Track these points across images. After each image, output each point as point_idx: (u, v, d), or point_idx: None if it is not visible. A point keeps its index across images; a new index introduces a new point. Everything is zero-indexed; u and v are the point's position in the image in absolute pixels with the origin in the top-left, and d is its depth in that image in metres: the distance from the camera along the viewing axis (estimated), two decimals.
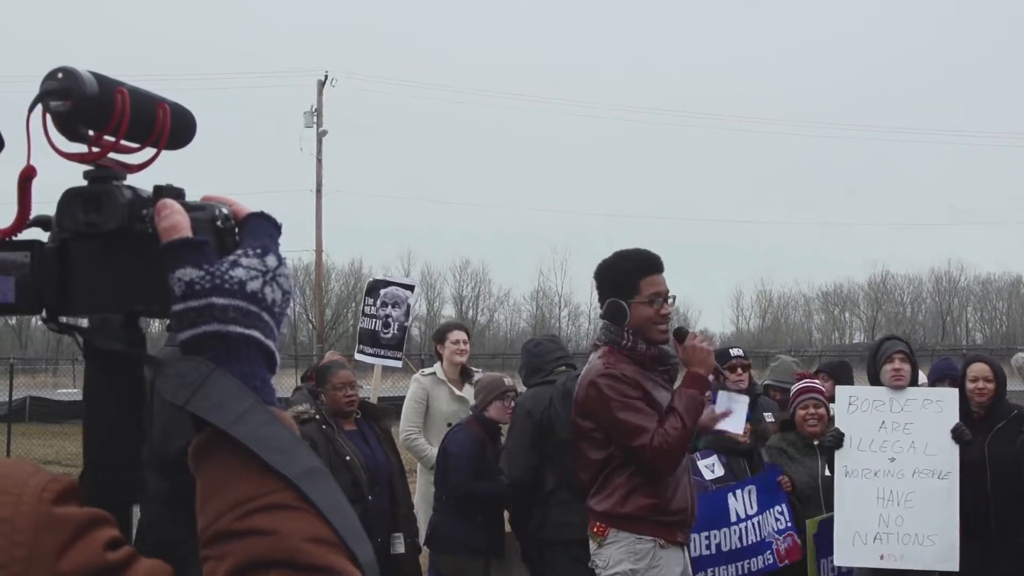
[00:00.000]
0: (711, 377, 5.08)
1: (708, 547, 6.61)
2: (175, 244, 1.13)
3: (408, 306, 8.59)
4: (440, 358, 8.03)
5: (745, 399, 6.21)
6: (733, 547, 6.78)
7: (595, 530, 4.92)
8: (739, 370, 7.50)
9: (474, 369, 8.04)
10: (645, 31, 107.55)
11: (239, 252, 1.16)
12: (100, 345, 1.20)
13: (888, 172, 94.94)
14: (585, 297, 72.02)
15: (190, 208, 1.17)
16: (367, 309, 8.69)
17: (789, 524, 6.96)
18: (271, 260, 1.17)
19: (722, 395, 6.09)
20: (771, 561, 6.88)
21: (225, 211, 1.20)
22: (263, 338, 1.14)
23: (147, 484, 1.21)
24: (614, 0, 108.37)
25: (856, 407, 6.68)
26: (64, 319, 1.21)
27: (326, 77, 42.54)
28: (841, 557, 6.59)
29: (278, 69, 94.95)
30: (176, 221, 1.14)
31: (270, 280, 1.16)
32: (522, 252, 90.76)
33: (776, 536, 6.93)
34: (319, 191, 41.66)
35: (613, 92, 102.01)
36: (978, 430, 6.70)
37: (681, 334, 5.03)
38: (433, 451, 7.18)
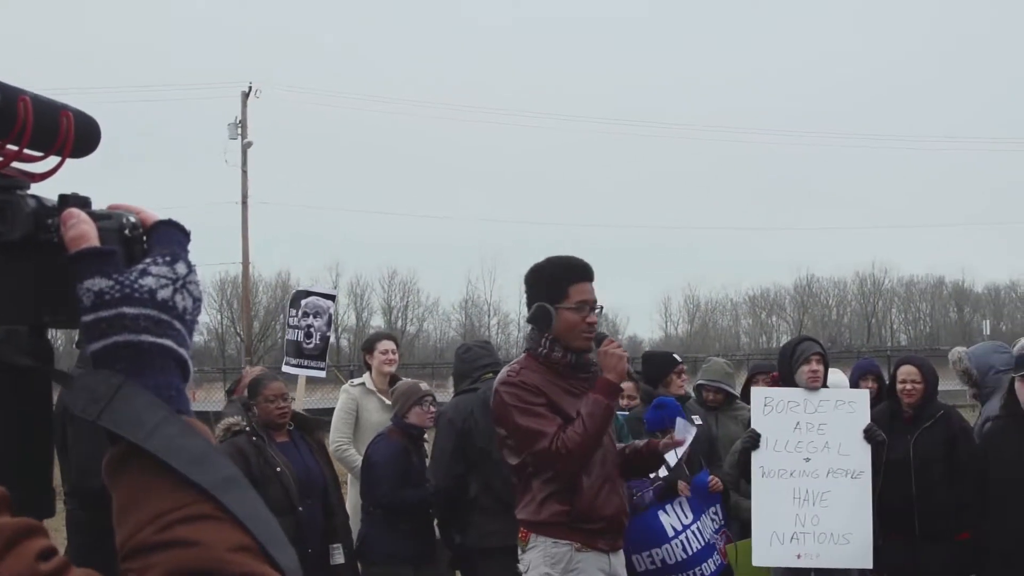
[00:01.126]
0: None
1: (652, 563, 6.63)
2: (83, 254, 1.11)
3: (329, 316, 8.60)
4: (369, 368, 8.03)
5: (694, 431, 6.29)
6: (679, 559, 6.83)
7: (520, 536, 4.95)
8: (683, 375, 7.64)
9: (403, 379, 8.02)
10: (570, 38, 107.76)
11: (148, 260, 1.14)
12: (6, 358, 1.16)
13: (811, 177, 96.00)
14: (514, 306, 72.04)
15: (97, 217, 1.16)
16: (291, 320, 8.67)
17: (722, 522, 7.10)
18: (181, 267, 1.15)
19: (680, 423, 6.10)
20: (719, 562, 6.99)
21: (133, 219, 1.18)
22: (175, 346, 1.13)
23: (63, 506, 1.23)
24: (548, 7, 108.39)
25: (771, 408, 6.77)
26: None
27: (250, 88, 42.18)
28: (759, 557, 6.67)
29: (201, 80, 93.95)
30: (83, 231, 1.13)
31: (180, 288, 1.14)
32: (450, 261, 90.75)
33: (715, 536, 7.07)
34: (244, 203, 41.24)
35: (540, 101, 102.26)
36: (906, 430, 6.82)
37: (599, 338, 5.04)
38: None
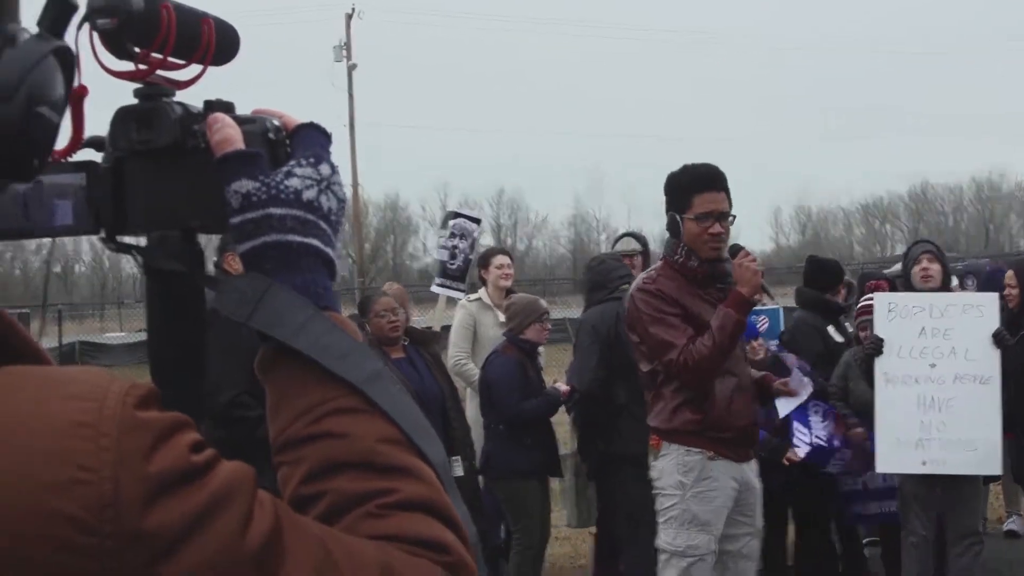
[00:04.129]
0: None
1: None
2: (229, 157, 1.14)
3: (474, 239, 8.64)
4: (485, 283, 8.08)
5: (810, 387, 6.17)
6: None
7: (652, 443, 4.97)
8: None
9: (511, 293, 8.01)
10: None
11: (292, 162, 1.16)
12: (158, 265, 1.19)
13: (925, 82, 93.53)
14: (622, 221, 71.80)
15: (241, 121, 1.17)
16: (440, 241, 8.78)
17: (827, 407, 7.04)
18: (325, 168, 1.17)
19: (796, 376, 6.04)
20: (839, 443, 7.02)
21: (276, 123, 1.19)
22: (322, 246, 1.15)
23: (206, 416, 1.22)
24: None
25: (895, 314, 6.62)
26: (122, 239, 1.21)
27: (353, 10, 42.32)
28: (883, 464, 6.60)
29: (303, 3, 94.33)
30: (229, 134, 1.15)
31: (325, 188, 1.16)
32: (558, 178, 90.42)
33: (825, 423, 7.04)
34: (352, 125, 41.60)
35: (648, 16, 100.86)
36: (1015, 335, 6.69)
37: (735, 250, 5.03)
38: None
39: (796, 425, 6.94)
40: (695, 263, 4.91)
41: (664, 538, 4.86)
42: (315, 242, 1.15)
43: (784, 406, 5.98)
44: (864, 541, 8.19)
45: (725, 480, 4.84)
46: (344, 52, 42.05)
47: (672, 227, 4.94)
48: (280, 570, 0.91)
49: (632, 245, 7.50)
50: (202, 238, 1.25)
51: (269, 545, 0.91)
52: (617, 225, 75.22)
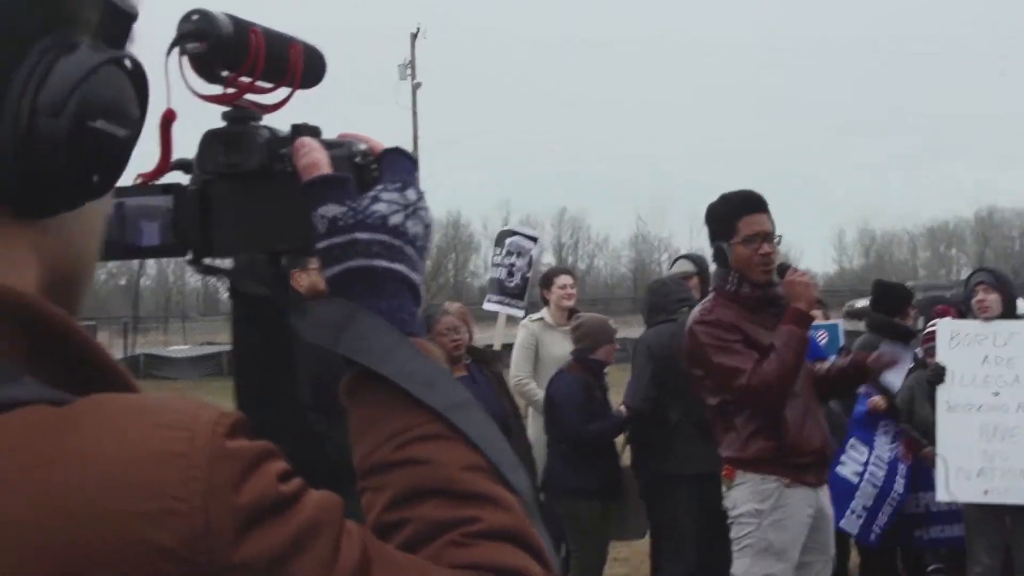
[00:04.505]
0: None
1: (858, 515, 6.80)
2: (316, 181, 1.14)
3: (531, 257, 8.64)
4: (547, 303, 8.08)
5: (909, 353, 6.07)
6: (874, 495, 6.90)
7: (725, 474, 4.92)
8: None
9: (579, 313, 7.97)
10: None
11: (379, 187, 1.16)
12: (244, 288, 1.20)
13: (994, 103, 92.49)
14: (684, 241, 71.43)
15: (328, 145, 1.17)
16: (495, 259, 8.77)
17: (896, 428, 7.06)
18: (411, 194, 1.17)
19: (885, 347, 6.00)
20: (906, 470, 7.01)
21: (363, 147, 1.19)
22: (407, 271, 1.15)
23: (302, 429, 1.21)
24: None
25: (958, 341, 6.57)
26: (208, 261, 1.21)
27: (418, 29, 42.65)
28: (944, 492, 6.50)
29: (367, 23, 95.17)
30: (316, 158, 1.15)
31: (411, 214, 1.16)
32: (620, 198, 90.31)
33: (892, 448, 7.05)
34: (415, 144, 41.80)
35: (707, 36, 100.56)
36: None
37: (782, 269, 4.97)
38: (543, 395, 7.20)
39: (853, 442, 6.94)
40: (747, 289, 4.89)
41: (739, 567, 4.84)
42: (401, 267, 1.14)
43: (894, 377, 5.84)
44: (929, 569, 8.12)
45: (801, 508, 4.81)
46: (408, 71, 42.36)
47: (719, 257, 4.94)
48: None
49: (687, 267, 7.52)
50: None
51: (359, 574, 0.90)
52: (679, 245, 74.93)
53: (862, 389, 6.87)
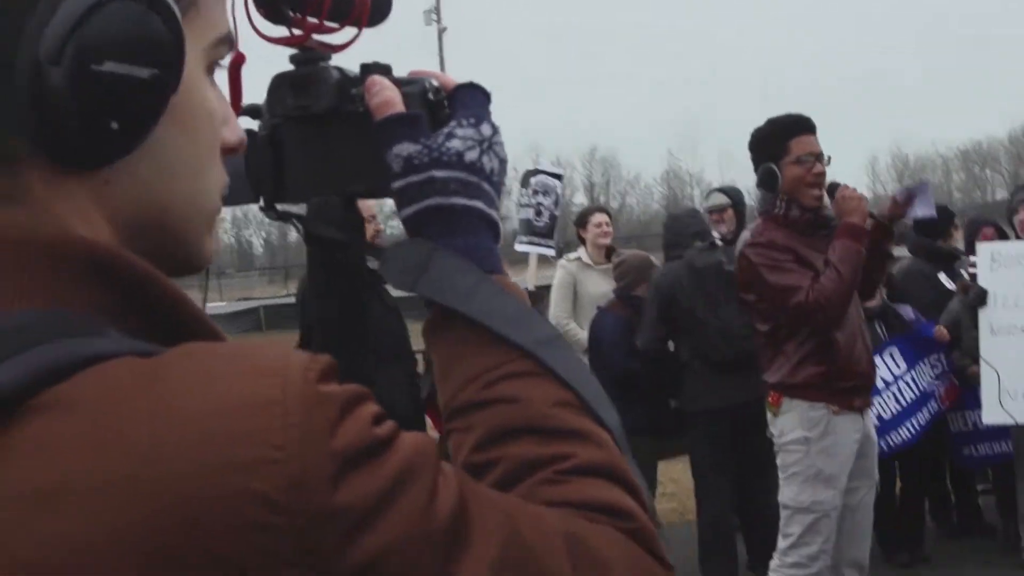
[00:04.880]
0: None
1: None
2: (390, 120, 1.11)
3: (557, 195, 8.55)
4: (583, 242, 8.08)
5: (927, 182, 5.82)
6: (892, 412, 6.80)
7: (770, 400, 4.88)
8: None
9: (620, 250, 7.95)
10: None
11: (453, 123, 1.13)
12: (319, 232, 1.18)
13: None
14: (715, 175, 71.21)
15: (400, 83, 1.14)
16: (522, 199, 8.71)
17: (946, 368, 7.01)
18: (486, 129, 1.14)
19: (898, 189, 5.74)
20: (935, 408, 6.94)
21: (435, 83, 1.16)
22: (485, 208, 1.12)
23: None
24: None
25: (999, 263, 6.51)
26: (281, 207, 1.19)
27: None
28: (989, 415, 6.49)
29: None
30: (388, 97, 1.12)
31: (487, 149, 1.13)
32: (649, 135, 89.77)
33: (936, 382, 6.99)
34: None
35: None
36: None
37: (832, 188, 4.92)
38: (585, 335, 7.23)
39: (893, 351, 6.82)
40: (796, 212, 4.83)
41: (788, 494, 4.82)
42: (479, 204, 1.11)
43: (923, 209, 5.56)
44: (979, 489, 8.14)
45: (848, 435, 4.79)
46: (434, 16, 42.14)
47: (768, 180, 4.84)
48: (469, 542, 0.88)
49: (721, 200, 7.36)
50: None
51: (457, 517, 0.88)
52: (711, 179, 74.67)
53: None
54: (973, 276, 6.84)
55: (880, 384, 6.66)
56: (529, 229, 8.46)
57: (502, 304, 1.07)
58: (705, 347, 6.36)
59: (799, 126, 4.93)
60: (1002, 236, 7.33)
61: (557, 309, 7.78)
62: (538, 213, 8.27)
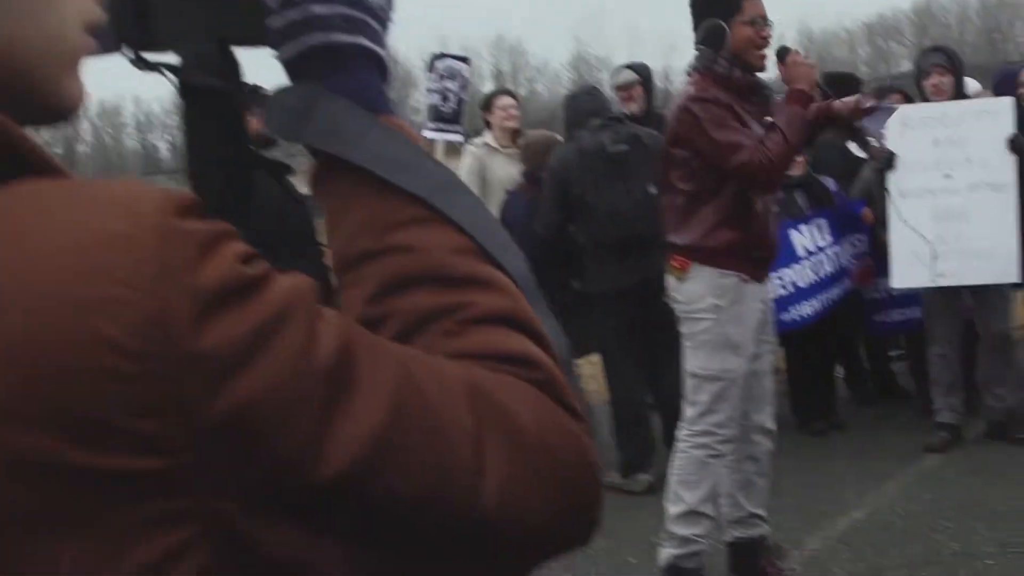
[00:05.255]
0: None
1: (783, 287, 6.60)
2: None
3: (465, 79, 8.37)
4: (489, 126, 7.91)
5: (893, 107, 5.77)
6: (810, 281, 6.80)
7: (675, 264, 4.75)
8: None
9: (525, 131, 7.84)
10: None
11: None
12: (193, 81, 1.06)
13: None
14: (623, 56, 70.89)
15: None
16: (430, 84, 8.48)
17: (868, 249, 7.02)
18: None
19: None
20: (848, 286, 6.97)
21: None
22: (371, 44, 1.02)
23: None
24: None
25: (908, 126, 6.50)
26: (149, 56, 1.06)
27: None
28: (899, 279, 6.58)
29: None
30: None
31: None
32: (556, 20, 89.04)
33: (852, 262, 7.01)
34: None
35: None
36: None
37: (782, 52, 4.83)
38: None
39: (822, 223, 6.79)
40: (738, 73, 4.69)
41: (695, 363, 4.74)
42: (365, 40, 1.01)
43: (874, 124, 5.53)
44: (891, 355, 8.25)
45: (755, 302, 4.75)
46: None
47: (714, 36, 4.68)
48: (355, 390, 0.82)
49: (630, 76, 7.23)
50: None
51: (340, 363, 0.81)
52: (619, 60, 74.39)
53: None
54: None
55: (802, 252, 6.68)
56: (436, 115, 8.29)
57: (394, 148, 0.98)
58: (596, 230, 6.33)
59: None
60: (908, 101, 7.30)
61: None
62: (444, 98, 8.09)
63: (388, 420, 0.83)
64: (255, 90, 1.06)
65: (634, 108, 6.96)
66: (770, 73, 4.94)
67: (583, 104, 6.75)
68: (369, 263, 0.96)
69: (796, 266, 6.66)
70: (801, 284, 6.69)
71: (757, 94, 4.79)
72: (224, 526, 0.79)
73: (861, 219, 7.00)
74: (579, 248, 6.48)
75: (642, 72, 7.34)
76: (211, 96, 1.06)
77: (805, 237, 6.76)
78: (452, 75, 8.29)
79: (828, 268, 6.86)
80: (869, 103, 4.92)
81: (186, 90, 1.06)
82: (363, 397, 0.82)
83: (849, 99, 4.86)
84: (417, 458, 0.84)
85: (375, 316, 0.94)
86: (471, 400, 0.87)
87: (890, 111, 5.12)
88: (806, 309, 6.72)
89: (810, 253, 6.77)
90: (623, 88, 7.12)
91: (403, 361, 0.86)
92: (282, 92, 1.01)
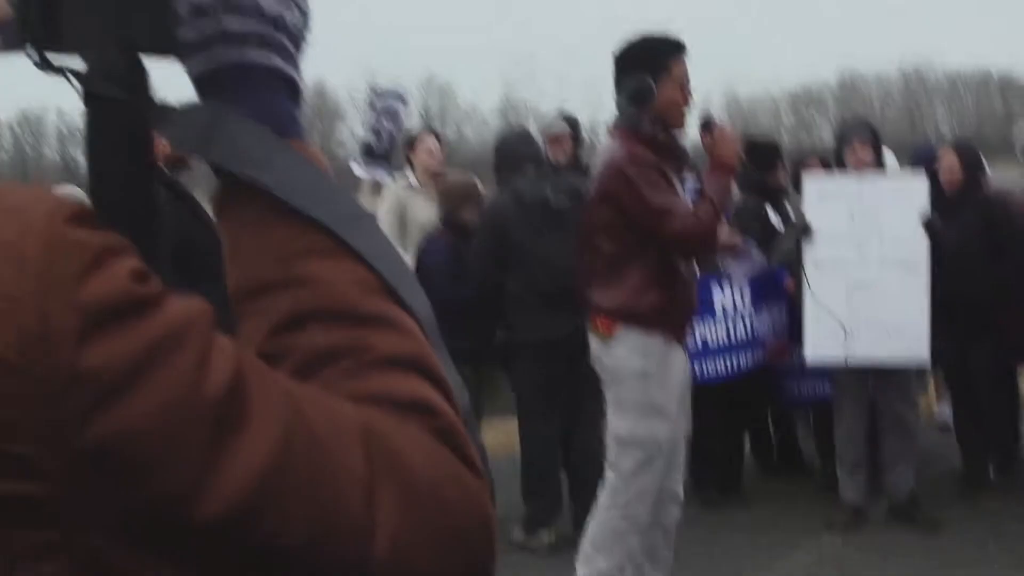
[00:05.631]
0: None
1: (692, 340, 6.50)
2: None
3: (401, 120, 8.28)
4: (412, 166, 7.83)
5: (760, 261, 5.88)
6: (720, 343, 6.73)
7: (600, 326, 4.72)
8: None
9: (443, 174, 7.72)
10: None
11: None
12: (97, 90, 1.01)
13: None
14: (552, 106, 71.37)
15: None
16: (366, 119, 8.35)
17: (785, 325, 6.99)
18: None
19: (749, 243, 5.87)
20: (759, 358, 6.90)
21: None
22: (284, 66, 1.00)
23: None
24: None
25: (825, 197, 6.55)
26: (54, 58, 1.01)
27: None
28: (812, 353, 6.52)
29: None
30: None
31: (288, 1, 1.00)
32: (486, 65, 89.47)
33: (769, 337, 6.97)
34: None
35: None
36: (949, 217, 6.57)
37: (707, 122, 4.88)
38: (410, 261, 7.04)
39: (743, 282, 6.77)
40: (662, 134, 4.71)
41: (622, 427, 4.68)
42: (277, 61, 0.99)
43: (739, 272, 5.69)
44: (798, 428, 8.24)
45: (680, 365, 4.74)
46: None
47: (643, 95, 4.68)
48: (243, 425, 0.77)
49: (561, 127, 7.18)
50: None
51: (231, 395, 0.77)
52: (547, 110, 74.87)
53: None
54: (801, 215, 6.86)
55: (719, 310, 6.64)
56: (367, 151, 8.18)
57: (301, 174, 0.95)
58: (531, 280, 6.28)
59: (679, 47, 4.80)
60: (827, 168, 7.35)
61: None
62: (378, 137, 7.99)
63: (275, 462, 0.78)
64: (164, 106, 1.00)
65: (562, 158, 6.94)
66: (688, 134, 5.02)
67: (518, 149, 6.71)
68: (269, 294, 0.92)
69: (710, 322, 6.62)
70: (710, 342, 6.65)
71: (676, 154, 4.80)
72: (91, 563, 0.74)
73: (783, 288, 6.99)
74: (511, 297, 6.41)
75: (573, 123, 7.34)
76: (115, 107, 1.01)
77: (725, 296, 6.74)
78: (390, 114, 8.20)
79: (741, 333, 6.82)
80: (739, 247, 5.08)
81: (90, 98, 1.01)
82: (251, 435, 0.78)
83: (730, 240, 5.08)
84: (304, 503, 0.80)
85: (273, 350, 0.90)
86: (365, 445, 0.83)
87: (756, 263, 5.30)
88: (710, 368, 6.67)
89: (725, 313, 6.75)
90: (554, 137, 7.10)
91: (297, 400, 0.82)
92: (188, 108, 0.97)
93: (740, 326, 6.80)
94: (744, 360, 6.81)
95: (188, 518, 0.76)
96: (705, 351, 6.59)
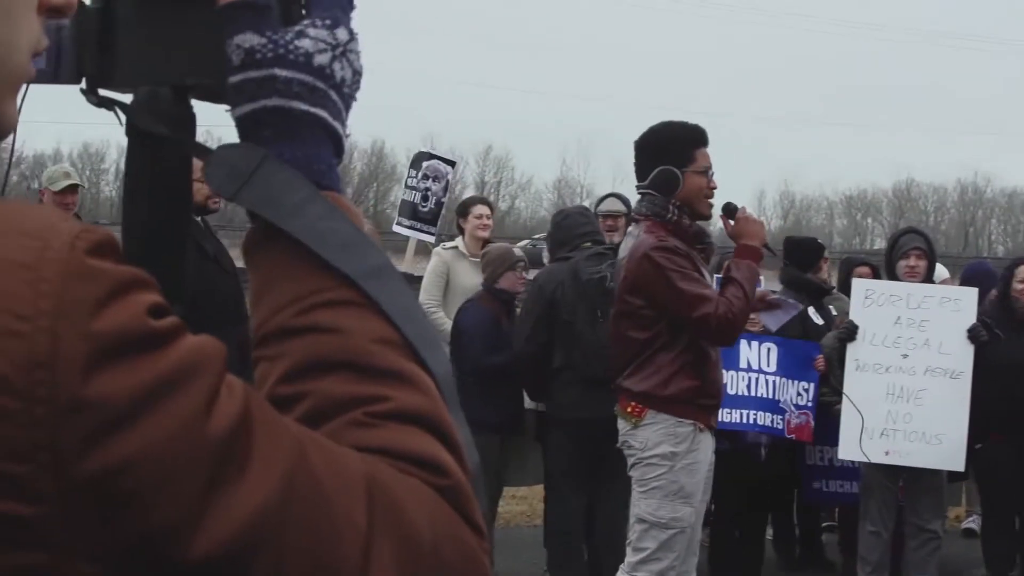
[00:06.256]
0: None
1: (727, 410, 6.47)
2: (235, 6, 0.99)
3: (447, 182, 8.33)
4: (462, 232, 7.91)
5: (798, 307, 5.92)
6: (739, 392, 6.69)
7: (630, 410, 4.75)
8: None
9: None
10: None
11: (306, 22, 1.01)
12: (144, 126, 1.03)
13: (923, 78, 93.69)
14: (606, 187, 71.68)
15: None
16: (409, 181, 8.47)
17: (810, 403, 6.94)
18: (342, 33, 1.02)
19: (782, 296, 5.89)
20: (779, 427, 6.82)
21: None
22: (330, 118, 1.00)
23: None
24: None
25: (872, 301, 6.59)
26: (106, 93, 1.05)
27: None
28: (846, 450, 6.55)
29: None
30: None
31: (340, 55, 1.01)
32: (546, 141, 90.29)
33: (792, 408, 6.91)
34: None
35: None
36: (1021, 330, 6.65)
37: (731, 208, 4.93)
38: (450, 324, 7.01)
39: (772, 346, 6.72)
40: (687, 221, 4.78)
41: (646, 508, 4.70)
42: (323, 113, 0.99)
43: (771, 320, 5.66)
44: (823, 525, 8.17)
45: (708, 452, 4.76)
46: None
47: (668, 184, 4.73)
48: (243, 468, 0.77)
49: (617, 206, 7.24)
50: None
51: (235, 436, 0.77)
52: (601, 190, 75.19)
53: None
54: (845, 314, 6.84)
55: (744, 363, 6.60)
56: (412, 213, 8.26)
57: (332, 225, 0.95)
58: (580, 360, 6.24)
59: (703, 137, 4.90)
60: (876, 275, 7.39)
61: (427, 295, 7.62)
62: (424, 198, 8.05)
63: (273, 507, 0.78)
64: (204, 146, 1.02)
65: (616, 238, 6.95)
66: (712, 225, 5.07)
67: (576, 224, 6.72)
68: (289, 339, 0.92)
69: (733, 372, 6.57)
70: (729, 390, 6.57)
71: (701, 242, 4.88)
72: None
73: (812, 364, 6.95)
74: (552, 371, 6.38)
75: (628, 203, 7.35)
76: (157, 143, 1.03)
77: (753, 353, 6.71)
78: (437, 177, 8.28)
79: (761, 391, 6.77)
80: (772, 297, 5.18)
81: (133, 132, 1.04)
82: (251, 478, 0.77)
83: (760, 291, 5.06)
84: (299, 550, 0.79)
85: (287, 395, 0.90)
86: (368, 497, 0.82)
87: (794, 310, 5.37)
88: (724, 416, 6.58)
89: (750, 369, 6.71)
90: (609, 216, 7.11)
91: (303, 446, 0.82)
92: (227, 148, 0.98)
93: (762, 384, 6.76)
94: (761, 419, 6.75)
95: (179, 555, 0.75)
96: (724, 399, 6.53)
